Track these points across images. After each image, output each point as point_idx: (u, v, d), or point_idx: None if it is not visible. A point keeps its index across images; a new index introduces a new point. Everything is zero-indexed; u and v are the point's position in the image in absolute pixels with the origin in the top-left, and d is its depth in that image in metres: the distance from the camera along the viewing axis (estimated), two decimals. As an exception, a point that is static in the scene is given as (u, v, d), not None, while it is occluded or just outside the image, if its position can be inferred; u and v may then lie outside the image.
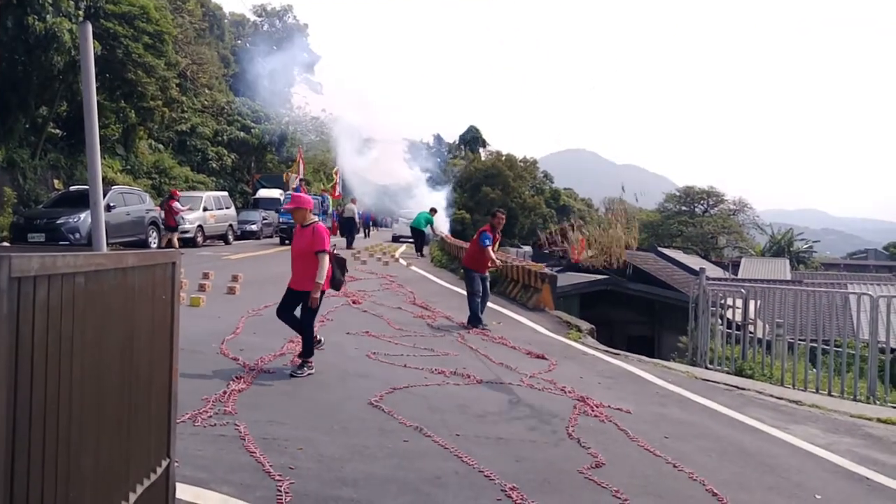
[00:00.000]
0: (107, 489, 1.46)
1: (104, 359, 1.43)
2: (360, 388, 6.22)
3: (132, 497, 1.58)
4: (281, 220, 26.94)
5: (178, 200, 19.46)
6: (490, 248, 10.54)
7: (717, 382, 8.13)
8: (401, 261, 21.96)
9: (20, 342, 0.98)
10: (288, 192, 30.90)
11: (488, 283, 10.86)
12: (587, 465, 4.64)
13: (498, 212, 11.23)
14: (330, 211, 30.14)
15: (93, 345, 1.37)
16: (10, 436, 0.94)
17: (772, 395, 7.64)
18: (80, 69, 2.53)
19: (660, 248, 39.61)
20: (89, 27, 2.72)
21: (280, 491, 3.78)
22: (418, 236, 25.14)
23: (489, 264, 10.68)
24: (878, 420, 6.78)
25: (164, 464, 1.88)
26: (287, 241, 24.43)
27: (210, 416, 5.00)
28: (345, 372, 6.86)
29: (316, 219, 7.09)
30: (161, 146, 32.76)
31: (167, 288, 1.84)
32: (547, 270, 13.10)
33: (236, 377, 6.05)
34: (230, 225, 24.96)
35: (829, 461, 5.28)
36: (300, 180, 31.57)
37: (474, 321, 10.29)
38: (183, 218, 20.13)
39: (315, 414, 5.38)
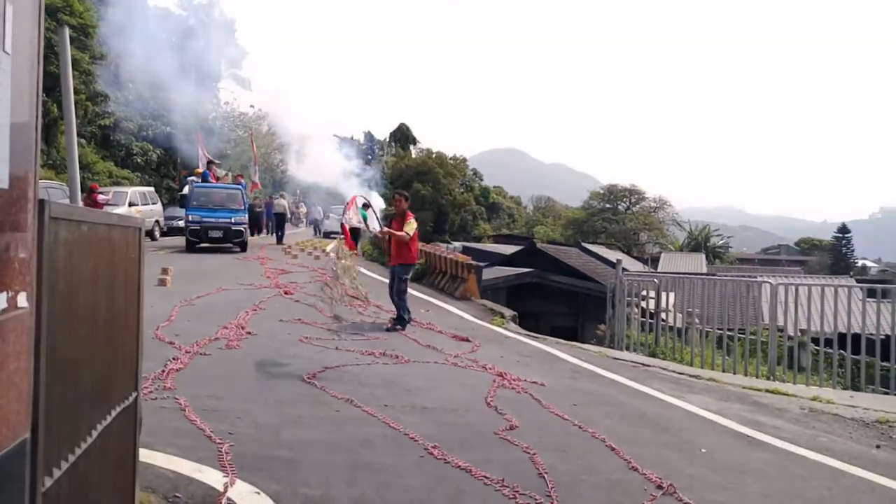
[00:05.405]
0: (97, 401, 1.82)
1: (96, 293, 1.79)
2: (294, 367, 6.58)
3: (113, 412, 1.94)
4: (190, 216, 20.51)
5: (100, 193, 19.15)
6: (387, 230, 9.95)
7: (626, 360, 8.82)
8: (331, 255, 22.12)
9: (52, 267, 1.35)
10: (193, 178, 26.84)
11: (399, 280, 9.57)
12: (502, 427, 5.14)
13: (395, 194, 10.34)
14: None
15: (90, 281, 1.72)
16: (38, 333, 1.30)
17: (674, 371, 8.36)
18: (60, 73, 2.81)
19: (584, 244, 40.95)
20: (66, 31, 2.99)
21: (221, 451, 4.13)
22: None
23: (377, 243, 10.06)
24: (767, 391, 7.55)
25: (134, 395, 2.24)
26: (196, 246, 20.52)
27: (151, 392, 5.28)
28: (279, 354, 7.19)
29: None
30: (84, 140, 31.81)
31: (135, 248, 2.20)
32: (472, 262, 13.65)
33: (173, 359, 6.30)
34: (157, 221, 24.58)
35: (717, 423, 5.95)
36: (209, 162, 28.01)
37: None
38: (113, 206, 19.68)
39: (251, 389, 5.72)
